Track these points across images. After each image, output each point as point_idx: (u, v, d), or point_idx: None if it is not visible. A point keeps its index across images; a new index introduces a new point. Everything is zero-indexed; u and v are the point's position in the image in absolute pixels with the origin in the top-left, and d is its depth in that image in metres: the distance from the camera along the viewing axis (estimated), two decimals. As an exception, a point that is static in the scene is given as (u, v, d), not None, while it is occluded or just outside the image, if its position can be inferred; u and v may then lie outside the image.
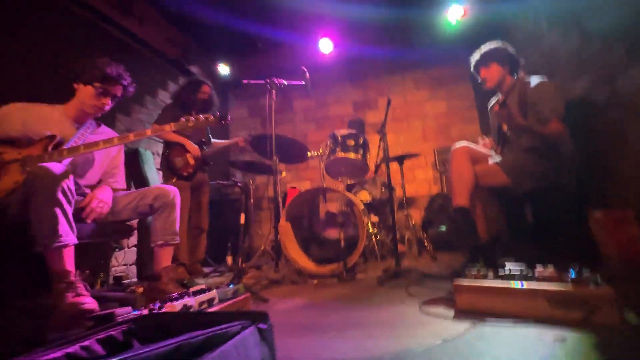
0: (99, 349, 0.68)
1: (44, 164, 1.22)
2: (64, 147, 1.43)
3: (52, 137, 1.44)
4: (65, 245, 1.17)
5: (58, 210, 1.17)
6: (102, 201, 1.46)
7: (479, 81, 1.97)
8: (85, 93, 1.56)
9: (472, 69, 1.98)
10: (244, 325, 0.64)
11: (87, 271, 1.82)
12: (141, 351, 0.44)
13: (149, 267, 2.13)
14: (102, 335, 0.70)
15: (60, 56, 2.35)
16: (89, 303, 1.07)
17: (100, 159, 1.65)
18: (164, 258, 1.59)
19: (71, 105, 1.59)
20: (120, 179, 1.75)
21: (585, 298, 0.92)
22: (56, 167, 1.22)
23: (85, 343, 0.66)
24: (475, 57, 1.94)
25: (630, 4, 1.62)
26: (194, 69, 4.01)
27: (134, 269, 2.90)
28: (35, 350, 0.70)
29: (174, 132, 2.44)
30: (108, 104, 1.62)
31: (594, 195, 1.84)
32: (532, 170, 1.67)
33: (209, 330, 0.55)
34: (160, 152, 3.26)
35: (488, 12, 3.26)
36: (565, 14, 2.21)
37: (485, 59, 1.88)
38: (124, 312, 0.94)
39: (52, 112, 1.55)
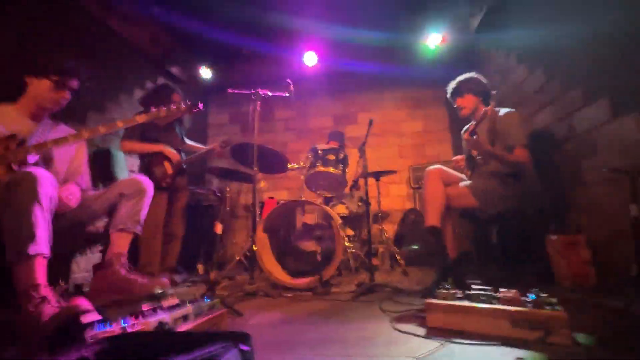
0: (70, 371, 0.65)
1: (29, 169, 1.15)
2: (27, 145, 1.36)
3: (12, 136, 1.35)
4: (42, 255, 1.10)
5: (39, 218, 1.10)
6: (71, 193, 1.39)
7: (455, 107, 2.11)
8: (40, 87, 1.48)
9: (448, 96, 2.12)
10: (227, 347, 0.64)
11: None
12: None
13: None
14: (75, 357, 0.67)
15: (23, 50, 2.21)
16: (84, 304, 0.98)
17: (60, 159, 1.57)
18: (120, 244, 1.50)
19: (25, 101, 1.49)
20: (85, 178, 1.66)
21: (541, 320, 1.00)
22: (41, 172, 1.17)
23: (56, 365, 0.64)
24: (452, 86, 2.07)
25: (588, 53, 1.82)
26: (175, 70, 3.93)
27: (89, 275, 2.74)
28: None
29: (145, 139, 2.35)
30: (67, 98, 1.54)
31: (552, 221, 2.00)
32: (498, 194, 1.80)
33: (194, 354, 0.55)
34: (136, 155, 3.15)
35: (465, 41, 3.49)
36: (532, 53, 2.42)
37: (461, 89, 2.02)
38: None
39: (9, 110, 1.46)
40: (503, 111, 1.93)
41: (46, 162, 1.49)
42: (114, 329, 0.92)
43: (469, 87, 2.01)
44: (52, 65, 1.48)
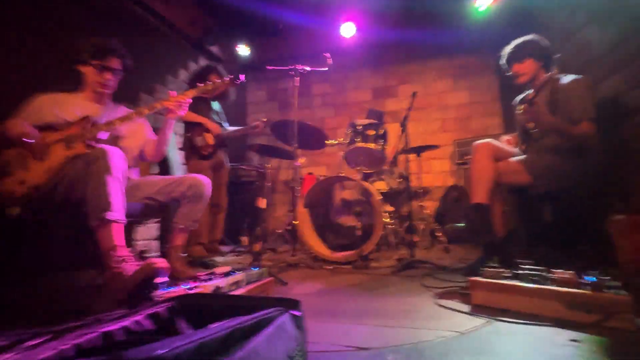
0: (148, 324, 0.75)
1: (103, 146, 1.29)
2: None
3: (86, 117, 1.52)
4: (118, 221, 1.25)
5: (115, 188, 1.26)
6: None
7: (509, 75, 1.93)
8: (89, 73, 1.61)
9: (503, 61, 1.93)
10: (281, 312, 0.70)
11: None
12: (204, 334, 0.50)
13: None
14: (150, 311, 0.77)
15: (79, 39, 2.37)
16: (161, 262, 1.10)
17: (128, 136, 1.72)
18: (178, 239, 1.69)
19: (85, 88, 1.65)
20: (158, 147, 1.78)
21: (601, 303, 0.95)
22: (114, 150, 1.32)
23: (137, 318, 0.74)
24: (509, 50, 1.89)
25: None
26: (214, 49, 4.01)
27: (153, 243, 3.03)
28: (96, 321, 0.78)
29: (194, 111, 2.50)
30: (111, 79, 1.65)
31: (616, 199, 1.82)
32: (556, 170, 1.66)
33: (254, 315, 0.61)
34: (181, 132, 3.33)
35: (519, 1, 3.12)
36: (603, 8, 2.11)
37: (519, 54, 1.83)
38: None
39: (76, 98, 1.63)
40: (567, 78, 1.74)
41: (115, 139, 1.66)
42: (178, 290, 1.03)
43: (529, 50, 1.81)
44: (88, 50, 1.59)
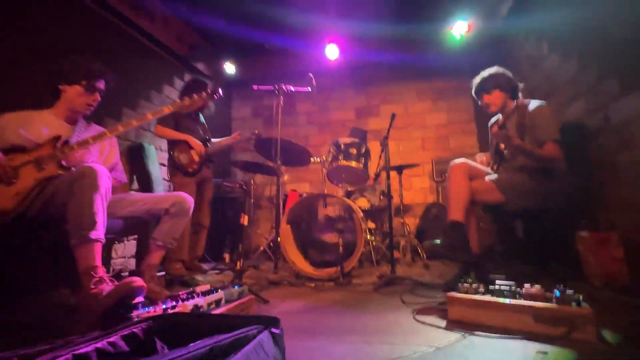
0: (123, 345, 0.74)
1: (89, 164, 1.28)
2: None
3: (57, 137, 1.48)
4: (99, 241, 1.22)
5: (100, 207, 1.24)
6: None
7: (480, 104, 2.06)
8: (73, 93, 1.59)
9: (473, 93, 2.07)
10: (259, 330, 0.71)
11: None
12: (182, 352, 0.51)
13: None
14: (125, 332, 0.76)
15: (59, 55, 2.33)
16: (138, 281, 1.09)
17: (97, 157, 1.69)
18: (155, 257, 1.65)
19: (60, 107, 1.61)
20: (121, 174, 1.81)
21: (565, 316, 1.00)
22: (100, 168, 1.30)
23: (112, 339, 0.72)
24: (477, 82, 2.02)
25: (626, 40, 1.72)
26: (200, 66, 4.05)
27: (132, 261, 2.94)
28: (68, 343, 0.76)
29: (178, 128, 2.50)
30: (97, 99, 1.66)
31: (583, 217, 1.93)
32: (526, 189, 1.76)
33: (233, 333, 0.61)
34: (164, 147, 3.31)
35: (492, 29, 3.35)
36: (565, 40, 2.31)
37: (487, 86, 1.97)
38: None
39: (46, 116, 1.58)
40: (533, 104, 1.87)
41: (83, 160, 1.62)
42: (156, 310, 1.01)
43: (496, 82, 1.96)
44: (79, 71, 1.59)
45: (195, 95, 1.70)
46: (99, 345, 0.69)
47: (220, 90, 1.82)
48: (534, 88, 2.64)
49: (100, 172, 1.28)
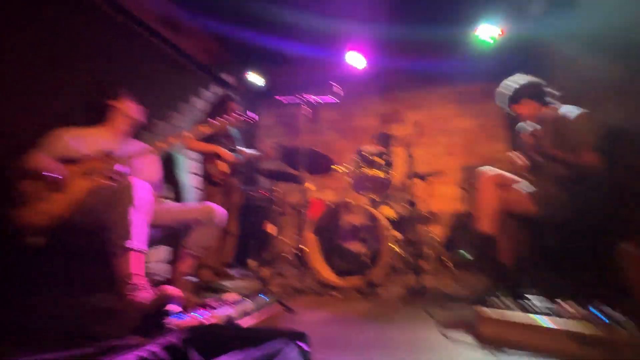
0: (163, 354, 0.79)
1: (131, 180, 1.38)
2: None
3: (106, 151, 1.61)
4: (136, 250, 1.31)
5: (137, 219, 1.33)
6: None
7: (509, 113, 2.00)
8: (124, 108, 1.75)
9: (498, 102, 2.02)
10: (289, 344, 0.73)
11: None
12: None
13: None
14: (165, 342, 0.81)
15: (97, 71, 2.46)
16: (176, 290, 1.16)
17: (141, 170, 1.81)
18: (186, 265, 1.73)
19: (113, 122, 1.76)
20: (161, 185, 1.94)
21: (607, 339, 0.95)
22: (140, 182, 1.40)
23: (154, 348, 0.78)
24: (501, 91, 1.97)
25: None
26: (225, 76, 4.20)
27: (161, 265, 3.08)
28: (109, 349, 0.82)
29: (208, 139, 2.61)
30: (143, 112, 1.84)
31: (623, 228, 1.82)
32: (562, 201, 1.68)
33: (264, 347, 0.65)
34: (194, 156, 3.45)
35: (520, 31, 3.24)
36: (607, 41, 2.18)
37: (514, 96, 1.92)
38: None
39: (95, 132, 1.73)
40: (569, 110, 1.79)
41: (132, 172, 1.74)
42: (190, 319, 1.07)
43: (525, 92, 1.89)
44: (124, 85, 1.73)
45: (231, 119, 1.81)
46: (142, 353, 0.75)
47: (255, 117, 1.95)
48: (569, 93, 2.52)
49: (136, 185, 1.37)
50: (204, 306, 1.20)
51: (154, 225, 1.65)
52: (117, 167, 1.56)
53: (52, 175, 1.43)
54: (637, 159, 1.89)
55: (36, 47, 2.13)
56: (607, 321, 0.99)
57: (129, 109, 1.77)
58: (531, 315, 1.11)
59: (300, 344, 0.76)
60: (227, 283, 2.49)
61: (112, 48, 2.72)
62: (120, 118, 1.75)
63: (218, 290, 2.22)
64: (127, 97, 1.77)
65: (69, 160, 1.55)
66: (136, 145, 1.84)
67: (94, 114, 1.80)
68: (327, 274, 2.29)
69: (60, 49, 2.31)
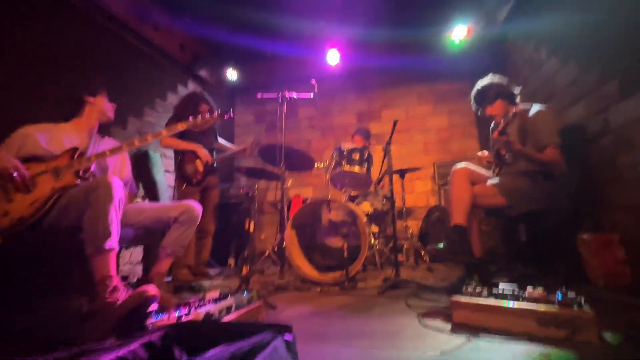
0: (142, 353, 0.77)
1: (106, 177, 1.32)
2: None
3: (74, 148, 1.54)
4: (114, 250, 1.26)
5: (114, 217, 1.28)
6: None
7: (480, 114, 2.10)
8: (101, 103, 1.70)
9: (473, 105, 2.11)
10: (274, 336, 0.74)
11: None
12: (207, 356, 0.54)
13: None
14: (144, 340, 0.79)
15: (70, 68, 2.43)
16: (152, 290, 1.12)
17: (112, 168, 1.75)
18: (164, 265, 1.68)
19: (83, 118, 1.69)
20: (132, 185, 1.89)
21: (568, 318, 1.03)
22: (115, 179, 1.34)
23: (132, 347, 0.76)
24: (476, 94, 2.06)
25: (626, 44, 1.75)
26: (203, 73, 4.10)
27: (138, 268, 2.98)
28: (86, 351, 0.79)
29: (183, 137, 2.55)
30: (115, 107, 1.80)
31: (584, 219, 1.96)
32: (527, 193, 1.79)
33: (250, 340, 0.65)
34: (169, 154, 3.35)
35: (491, 33, 3.39)
36: (565, 43, 2.34)
37: (488, 97, 2.01)
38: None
39: (63, 128, 1.65)
40: (534, 109, 1.90)
41: (102, 170, 1.67)
42: (169, 317, 1.05)
43: (497, 92, 2.00)
44: (101, 80, 1.67)
45: (207, 116, 1.78)
46: (120, 353, 0.73)
47: (231, 112, 1.91)
48: (534, 92, 2.67)
49: (115, 183, 1.32)
50: (184, 305, 1.18)
51: (126, 225, 1.60)
52: (90, 166, 1.49)
53: (14, 175, 1.34)
54: (595, 155, 2.04)
55: (6, 43, 2.05)
56: (566, 304, 1.07)
57: (102, 106, 1.70)
58: (501, 300, 1.18)
59: (286, 336, 0.77)
60: (206, 282, 2.45)
61: (86, 45, 2.62)
62: (93, 114, 1.68)
63: (197, 290, 2.18)
64: (101, 93, 1.70)
65: (34, 159, 1.47)
66: (107, 143, 1.77)
67: (65, 110, 1.71)
68: (308, 269, 2.30)
69: (33, 45, 2.21)
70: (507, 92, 2.00)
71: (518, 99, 2.01)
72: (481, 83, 2.06)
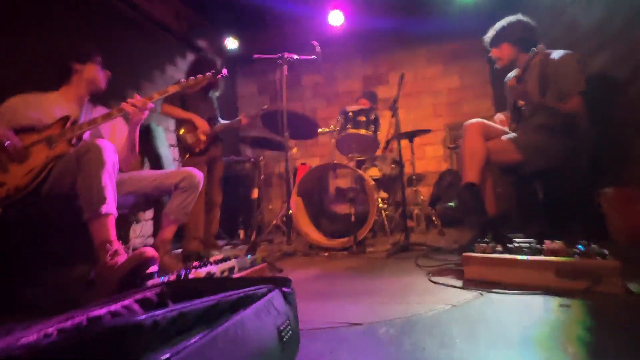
0: (137, 308, 0.74)
1: (96, 141, 1.27)
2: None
3: (66, 117, 1.49)
4: (111, 215, 1.23)
5: (108, 181, 1.24)
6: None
7: (492, 59, 1.93)
8: (90, 71, 1.61)
9: (487, 46, 1.93)
10: (270, 289, 0.69)
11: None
12: (186, 304, 0.50)
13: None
14: (139, 296, 0.76)
15: (61, 37, 2.34)
16: (150, 251, 1.09)
17: (107, 135, 1.70)
18: (168, 232, 1.67)
19: (72, 87, 1.62)
20: (134, 155, 1.81)
21: (590, 269, 0.96)
22: (106, 143, 1.29)
23: (126, 302, 0.73)
24: (488, 36, 1.88)
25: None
26: (201, 43, 3.95)
27: (150, 240, 3.02)
28: (83, 307, 0.77)
29: (184, 106, 2.47)
30: (109, 75, 1.70)
31: (606, 173, 1.83)
32: (546, 148, 1.67)
33: (242, 290, 0.60)
34: (172, 128, 3.30)
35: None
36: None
37: (495, 39, 1.84)
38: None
39: (53, 97, 1.60)
40: (557, 54, 1.73)
41: (96, 138, 1.62)
42: (170, 278, 1.03)
43: (505, 35, 1.81)
44: (93, 48, 1.61)
45: (199, 75, 1.66)
46: (112, 308, 0.70)
47: (224, 70, 1.78)
48: (555, 40, 2.45)
49: (105, 146, 1.27)
50: (186, 267, 1.15)
51: (127, 193, 1.57)
52: (82, 132, 1.44)
53: (7, 145, 1.31)
54: (620, 107, 1.87)
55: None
56: (588, 254, 0.99)
57: (92, 75, 1.62)
58: (516, 255, 1.11)
59: (284, 289, 0.73)
60: (215, 253, 2.46)
61: (80, 15, 2.51)
62: (82, 83, 1.61)
63: (205, 257, 2.19)
64: (92, 61, 1.61)
65: (26, 129, 1.43)
66: (99, 111, 1.71)
67: (53, 78, 1.65)
68: (316, 236, 2.27)
69: (23, 12, 2.12)
70: (517, 35, 1.80)
71: (534, 47, 1.83)
72: (496, 24, 1.87)
